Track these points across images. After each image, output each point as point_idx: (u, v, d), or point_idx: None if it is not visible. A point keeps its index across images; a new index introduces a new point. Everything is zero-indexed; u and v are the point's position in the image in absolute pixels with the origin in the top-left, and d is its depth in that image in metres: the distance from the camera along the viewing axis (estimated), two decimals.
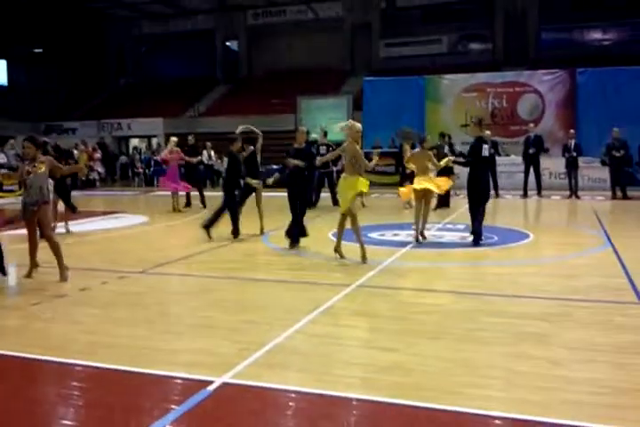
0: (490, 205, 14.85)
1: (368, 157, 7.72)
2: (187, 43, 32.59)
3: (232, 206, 9.29)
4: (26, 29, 28.93)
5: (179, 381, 3.87)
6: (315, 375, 3.89)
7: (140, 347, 4.50)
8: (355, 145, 7.36)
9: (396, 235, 9.61)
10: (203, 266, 7.50)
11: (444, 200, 13.23)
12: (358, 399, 3.55)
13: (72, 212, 10.37)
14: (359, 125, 7.41)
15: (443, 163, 8.84)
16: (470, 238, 8.56)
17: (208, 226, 9.20)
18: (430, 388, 3.66)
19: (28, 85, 31.28)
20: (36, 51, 30.64)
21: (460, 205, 14.47)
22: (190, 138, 14.74)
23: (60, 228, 10.21)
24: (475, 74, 21.05)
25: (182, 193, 13.82)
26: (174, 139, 13.86)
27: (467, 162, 8.50)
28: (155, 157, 22.52)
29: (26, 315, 5.45)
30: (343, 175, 7.57)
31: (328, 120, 24.38)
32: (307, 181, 8.89)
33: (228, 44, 33.12)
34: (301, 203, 8.66)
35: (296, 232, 8.57)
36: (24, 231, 6.95)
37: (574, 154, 15.42)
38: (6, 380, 4.09)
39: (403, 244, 8.69)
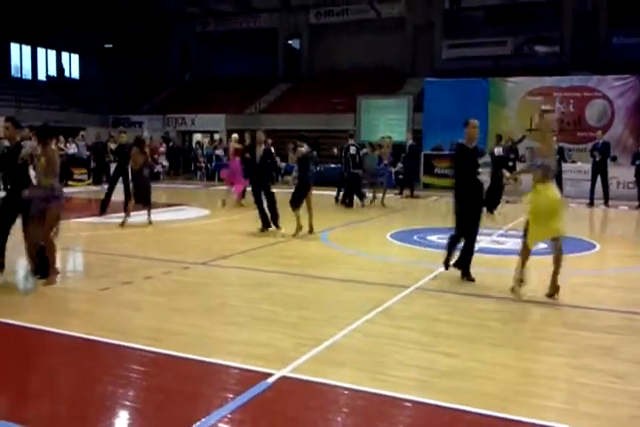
0: None
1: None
2: (250, 41, 33.06)
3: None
4: (97, 25, 30.00)
5: (238, 371, 3.95)
6: (372, 375, 3.89)
7: (200, 336, 4.61)
8: (546, 141, 5.85)
9: None
10: (262, 260, 7.61)
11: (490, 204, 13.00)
12: (415, 401, 3.53)
13: (136, 202, 10.66)
14: (549, 117, 6.00)
15: None
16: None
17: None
18: (491, 395, 3.61)
19: (99, 79, 32.43)
20: (107, 46, 31.72)
21: (521, 212, 14.15)
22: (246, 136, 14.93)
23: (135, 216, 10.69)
24: (541, 77, 20.51)
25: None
26: (235, 136, 14.08)
27: None
28: (216, 152, 22.89)
29: (94, 299, 5.67)
30: (540, 186, 5.76)
31: (387, 121, 24.37)
32: (479, 191, 6.60)
33: (290, 42, 33.40)
34: (472, 220, 6.51)
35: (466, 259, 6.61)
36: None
37: None
38: (75, 360, 4.27)
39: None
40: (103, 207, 11.73)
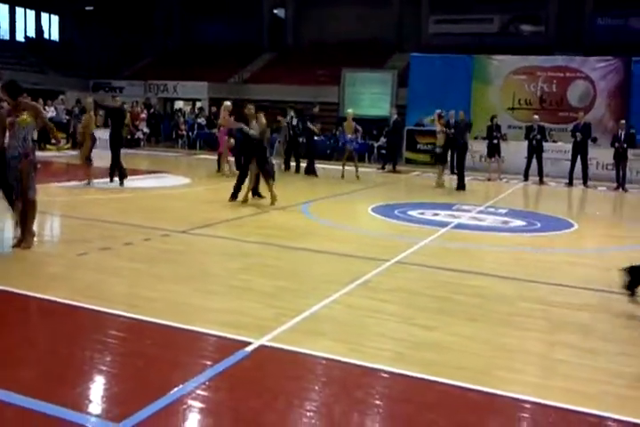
0: (534, 191, 14.74)
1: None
2: (235, 8, 32.32)
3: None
4: None
5: (217, 339, 3.94)
6: (350, 345, 3.92)
7: (179, 303, 4.60)
8: None
9: (435, 214, 9.53)
10: (242, 230, 7.58)
11: (460, 183, 13.14)
12: (392, 373, 3.56)
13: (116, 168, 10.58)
14: None
15: None
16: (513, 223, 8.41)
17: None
18: (465, 368, 3.65)
19: (79, 42, 31.57)
20: (88, 8, 30.81)
21: (504, 189, 14.28)
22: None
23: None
24: (525, 56, 20.45)
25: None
26: (227, 103, 13.74)
27: None
28: (198, 120, 22.51)
29: (72, 264, 5.61)
30: None
31: (371, 95, 24.19)
32: None
33: (275, 11, 32.75)
34: None
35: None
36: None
37: (625, 145, 14.96)
38: (52, 324, 4.23)
39: (442, 224, 8.62)
40: (121, 174, 11.28)
